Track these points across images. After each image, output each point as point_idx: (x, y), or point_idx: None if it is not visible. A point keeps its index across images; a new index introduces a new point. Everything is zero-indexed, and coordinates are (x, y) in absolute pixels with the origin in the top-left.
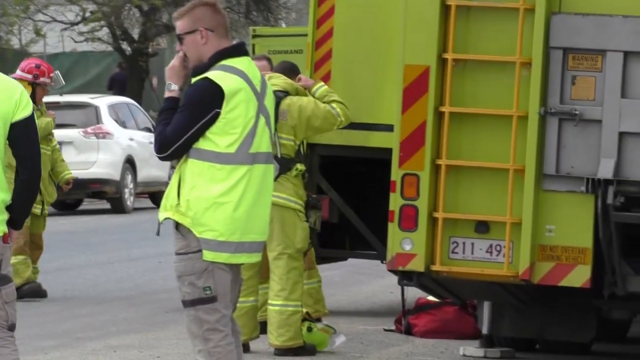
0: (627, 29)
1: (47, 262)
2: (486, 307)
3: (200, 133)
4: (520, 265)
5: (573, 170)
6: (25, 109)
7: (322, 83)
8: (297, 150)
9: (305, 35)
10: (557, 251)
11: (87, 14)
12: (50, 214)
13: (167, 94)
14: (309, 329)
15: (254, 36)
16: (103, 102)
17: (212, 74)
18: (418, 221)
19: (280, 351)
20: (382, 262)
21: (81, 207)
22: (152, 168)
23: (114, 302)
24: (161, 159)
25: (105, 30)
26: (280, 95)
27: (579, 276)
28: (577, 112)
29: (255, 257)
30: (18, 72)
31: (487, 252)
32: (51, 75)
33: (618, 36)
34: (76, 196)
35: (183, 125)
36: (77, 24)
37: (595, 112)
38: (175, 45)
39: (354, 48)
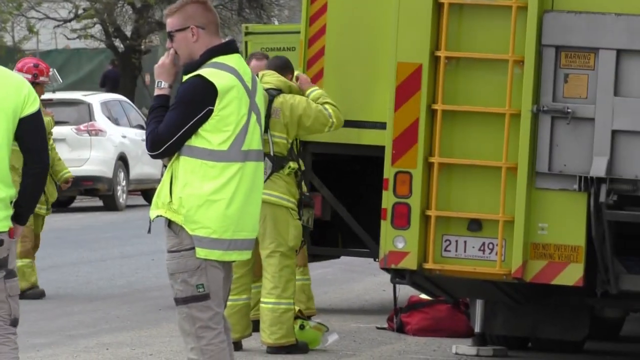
0: (619, 27)
1: (40, 259)
2: (479, 305)
3: (193, 131)
4: (512, 264)
5: (565, 169)
6: (33, 104)
7: (316, 87)
8: (290, 148)
9: (298, 32)
10: (550, 249)
11: (80, 11)
12: None
13: (157, 92)
14: (302, 327)
15: (247, 33)
16: (96, 99)
17: (205, 72)
18: (411, 219)
19: (272, 349)
20: (374, 260)
21: (74, 205)
22: (144, 165)
23: (107, 300)
24: (153, 157)
25: (98, 27)
26: (273, 93)
27: (572, 274)
28: (569, 110)
29: (246, 255)
30: (16, 73)
31: (479, 250)
32: (50, 73)
33: (610, 34)
34: (69, 193)
35: (176, 123)
36: (69, 21)
37: (587, 110)
38: (167, 42)
39: (346, 46)
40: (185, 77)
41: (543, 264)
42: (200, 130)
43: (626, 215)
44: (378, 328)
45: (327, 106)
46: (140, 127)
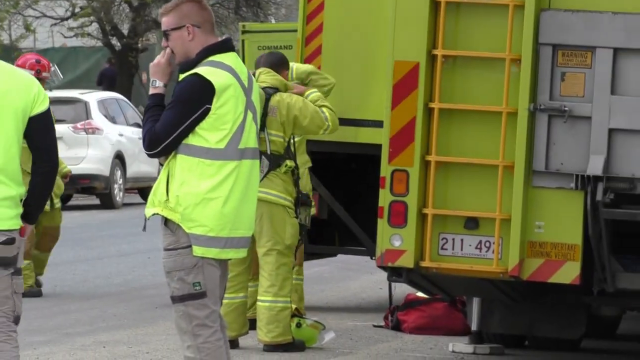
0: (616, 26)
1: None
2: (475, 303)
3: (190, 129)
4: (509, 262)
5: (562, 167)
6: (43, 102)
7: (315, 90)
8: (287, 146)
9: (295, 31)
10: (547, 247)
11: (77, 10)
12: None
13: (151, 91)
14: (298, 325)
15: (244, 32)
16: (92, 97)
17: (202, 70)
18: (407, 217)
19: (269, 347)
20: (371, 258)
21: (70, 203)
22: (141, 164)
23: (103, 298)
24: (151, 156)
25: (95, 25)
26: (270, 92)
27: (569, 273)
28: (566, 108)
29: (242, 253)
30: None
31: (476, 248)
32: (52, 69)
33: (607, 33)
34: (65, 191)
35: (173, 122)
36: (66, 19)
37: (584, 108)
38: (162, 41)
39: (343, 44)
40: (181, 76)
41: (540, 262)
42: (197, 129)
43: (623, 214)
44: (375, 326)
45: (324, 109)
46: (137, 125)
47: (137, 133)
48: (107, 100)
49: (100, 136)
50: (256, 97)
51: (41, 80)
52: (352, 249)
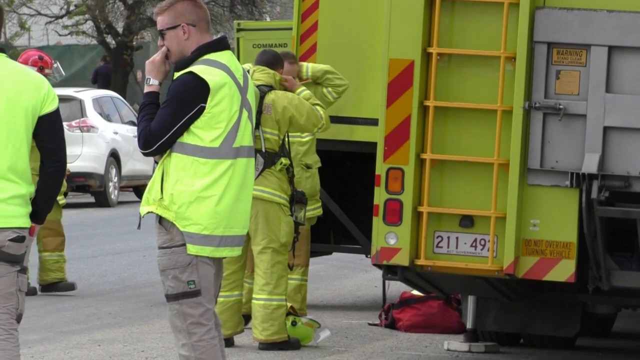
0: (611, 24)
1: (31, 255)
2: (471, 301)
3: (185, 128)
4: (504, 260)
5: (557, 165)
6: (53, 102)
7: (305, 88)
8: (282, 144)
9: (290, 29)
10: (542, 245)
11: (72, 8)
12: None
13: (146, 89)
14: (294, 323)
15: (239, 30)
16: (87, 95)
17: (197, 68)
18: (403, 215)
19: (264, 345)
20: (366, 256)
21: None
22: (136, 162)
23: (99, 296)
24: (146, 154)
25: (90, 23)
26: (265, 90)
27: (564, 271)
28: (561, 106)
29: (237, 251)
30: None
31: (471, 246)
32: (55, 66)
33: (602, 31)
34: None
35: (168, 120)
36: (61, 17)
37: (579, 106)
38: (158, 40)
39: (338, 42)
40: (176, 74)
41: (535, 260)
42: (192, 128)
43: (618, 212)
44: (370, 324)
45: (317, 107)
46: (132, 123)
47: (132, 131)
48: (102, 98)
49: (95, 134)
50: (252, 95)
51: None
52: (347, 247)
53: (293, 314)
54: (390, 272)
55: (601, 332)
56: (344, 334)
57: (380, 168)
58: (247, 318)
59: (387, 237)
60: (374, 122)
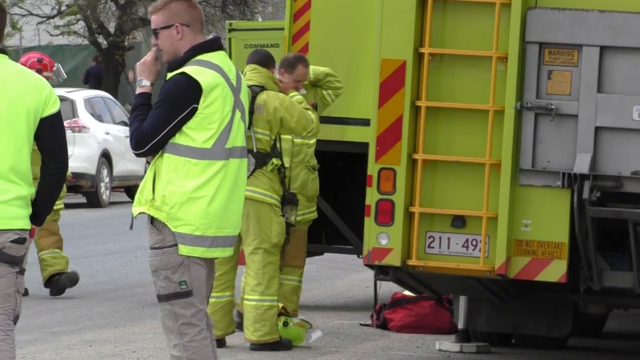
0: (603, 24)
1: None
2: (462, 301)
3: (177, 129)
4: (496, 260)
5: (549, 165)
6: (54, 105)
7: (297, 93)
8: (273, 144)
9: (282, 29)
10: (533, 246)
11: (63, 8)
12: None
13: (138, 90)
14: (285, 324)
15: (230, 30)
16: (79, 95)
17: (189, 69)
18: (394, 216)
19: (256, 346)
20: (358, 257)
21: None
22: (128, 162)
23: (90, 297)
24: (138, 155)
25: (82, 23)
26: (257, 90)
27: (555, 271)
28: (553, 106)
29: (229, 251)
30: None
31: (463, 246)
32: (54, 68)
33: (594, 31)
34: None
35: (160, 121)
36: (53, 17)
37: (571, 106)
38: (151, 39)
39: (330, 42)
40: (169, 75)
41: (526, 261)
42: (184, 128)
43: (609, 212)
44: (361, 325)
45: (309, 112)
46: (124, 123)
47: (123, 131)
48: (93, 98)
49: (86, 134)
50: (245, 96)
51: None
52: (339, 247)
53: (285, 314)
54: (382, 272)
55: (593, 332)
56: (336, 334)
57: (372, 168)
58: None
59: (379, 237)
60: (365, 122)
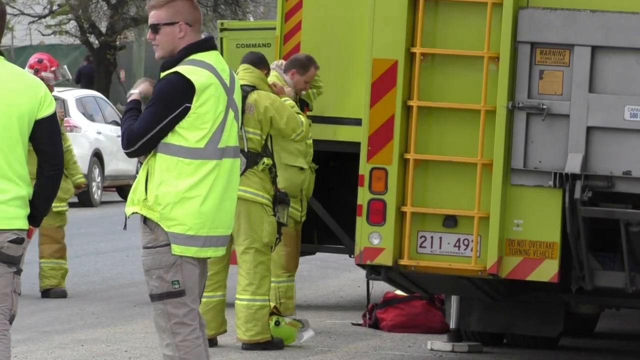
0: (594, 24)
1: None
2: (454, 301)
3: (169, 128)
4: (488, 260)
5: (541, 165)
6: (49, 106)
7: (289, 98)
8: (264, 144)
9: (274, 28)
10: (525, 245)
11: (55, 7)
12: None
13: (129, 99)
14: (277, 323)
15: (222, 29)
16: (70, 95)
17: (182, 69)
18: (386, 215)
19: (247, 345)
20: (350, 256)
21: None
22: (119, 162)
23: (82, 296)
24: (129, 154)
25: (73, 23)
26: (247, 90)
27: (547, 271)
28: (544, 106)
29: (221, 251)
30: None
31: (455, 246)
32: (53, 69)
33: (585, 31)
34: None
35: (151, 119)
36: (44, 17)
37: (563, 106)
38: (143, 39)
39: (322, 42)
40: (162, 74)
41: (518, 260)
42: (177, 128)
43: (601, 212)
44: (353, 324)
45: (300, 116)
46: (116, 123)
47: (115, 131)
48: (85, 98)
49: (78, 134)
50: (238, 96)
51: (41, 79)
52: (330, 247)
53: (276, 314)
54: (374, 272)
55: (584, 332)
56: (328, 334)
57: (364, 168)
58: None
59: (371, 237)
60: (357, 122)
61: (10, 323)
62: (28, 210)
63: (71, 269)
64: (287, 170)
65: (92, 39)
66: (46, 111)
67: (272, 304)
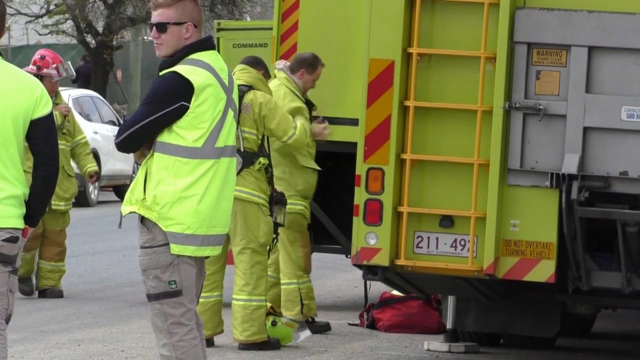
0: (591, 24)
1: None
2: (451, 301)
3: (160, 123)
4: (484, 260)
5: (537, 165)
6: (46, 106)
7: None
8: (260, 144)
9: (270, 28)
10: (522, 246)
11: (52, 7)
12: None
13: None
14: (273, 323)
15: (219, 29)
16: (67, 94)
17: (181, 68)
18: (383, 215)
19: (244, 346)
20: (346, 257)
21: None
22: (116, 161)
23: (78, 296)
24: (117, 146)
25: (70, 23)
26: (244, 89)
27: (543, 271)
28: (541, 107)
29: (218, 250)
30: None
31: (451, 246)
32: (56, 65)
33: (582, 31)
34: None
35: (142, 112)
36: (41, 16)
37: (559, 107)
38: (139, 39)
39: (319, 42)
40: (161, 73)
41: (515, 261)
42: (174, 127)
43: (597, 212)
44: (350, 324)
45: (298, 121)
46: (112, 123)
47: (112, 130)
48: (81, 97)
49: None
50: (236, 95)
51: (43, 77)
52: (327, 247)
53: (273, 314)
54: (371, 272)
55: (581, 333)
56: (324, 334)
57: (361, 168)
58: None
59: (367, 237)
60: (354, 122)
61: (7, 322)
62: (23, 210)
63: (68, 268)
64: (305, 172)
65: (89, 38)
66: (42, 111)
67: (269, 304)
